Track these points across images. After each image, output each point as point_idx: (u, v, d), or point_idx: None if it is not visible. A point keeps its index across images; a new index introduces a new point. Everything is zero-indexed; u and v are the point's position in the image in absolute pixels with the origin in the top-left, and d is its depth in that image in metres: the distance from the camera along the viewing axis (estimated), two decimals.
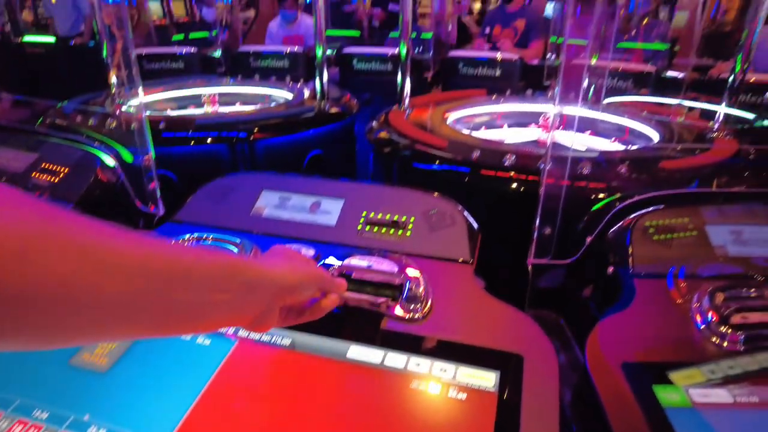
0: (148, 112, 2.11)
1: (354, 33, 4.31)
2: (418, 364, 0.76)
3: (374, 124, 1.97)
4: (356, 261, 0.93)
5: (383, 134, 1.86)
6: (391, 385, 0.76)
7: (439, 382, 0.73)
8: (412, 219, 1.02)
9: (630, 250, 0.92)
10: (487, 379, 0.73)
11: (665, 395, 0.69)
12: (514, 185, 1.44)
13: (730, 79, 1.84)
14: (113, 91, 2.29)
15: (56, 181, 1.19)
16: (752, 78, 2.40)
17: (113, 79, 2.35)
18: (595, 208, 1.09)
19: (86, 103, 2.21)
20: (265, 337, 0.81)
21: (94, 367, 0.78)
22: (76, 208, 1.13)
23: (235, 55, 3.47)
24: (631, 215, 0.97)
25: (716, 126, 1.85)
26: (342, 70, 3.44)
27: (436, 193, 1.07)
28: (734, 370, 0.70)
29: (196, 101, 2.56)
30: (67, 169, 1.22)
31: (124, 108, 2.08)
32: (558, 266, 1.02)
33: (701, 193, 1.14)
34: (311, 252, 0.99)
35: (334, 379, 0.75)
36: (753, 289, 0.81)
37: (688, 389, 0.69)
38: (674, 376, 0.70)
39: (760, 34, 1.83)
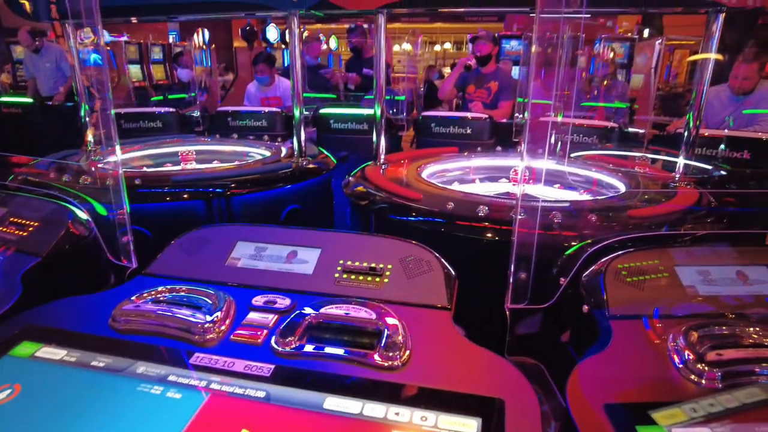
0: (124, 169, 2.12)
1: (330, 96, 4.47)
2: (397, 413, 0.73)
3: (351, 179, 2.01)
4: (333, 310, 0.92)
5: (360, 188, 1.89)
6: None
7: (419, 431, 0.70)
8: (389, 266, 1.03)
9: (604, 293, 0.93)
10: (469, 426, 0.71)
11: None
12: (489, 234, 1.46)
13: (686, 134, 1.96)
14: (89, 149, 2.30)
15: (25, 234, 1.16)
16: (706, 132, 2.55)
17: (90, 137, 2.37)
18: (567, 252, 1.11)
19: (61, 160, 2.20)
20: (238, 390, 0.78)
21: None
22: (44, 261, 1.10)
23: (214, 115, 3.53)
24: (603, 258, 1.00)
25: (678, 176, 1.94)
26: (319, 130, 3.54)
27: (412, 241, 1.08)
28: (715, 408, 0.70)
29: (173, 159, 2.57)
30: (37, 223, 1.19)
31: (100, 165, 2.08)
32: (535, 311, 1.02)
33: (669, 235, 1.18)
34: (287, 302, 0.97)
35: (312, 431, 0.72)
36: (725, 327, 0.82)
37: (671, 429, 0.68)
38: (657, 416, 0.70)
39: (708, 93, 1.97)
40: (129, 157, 2.55)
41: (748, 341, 0.80)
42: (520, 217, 1.07)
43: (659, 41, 4.08)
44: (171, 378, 0.80)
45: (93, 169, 1.95)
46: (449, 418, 0.72)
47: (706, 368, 0.75)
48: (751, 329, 0.81)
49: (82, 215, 1.26)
